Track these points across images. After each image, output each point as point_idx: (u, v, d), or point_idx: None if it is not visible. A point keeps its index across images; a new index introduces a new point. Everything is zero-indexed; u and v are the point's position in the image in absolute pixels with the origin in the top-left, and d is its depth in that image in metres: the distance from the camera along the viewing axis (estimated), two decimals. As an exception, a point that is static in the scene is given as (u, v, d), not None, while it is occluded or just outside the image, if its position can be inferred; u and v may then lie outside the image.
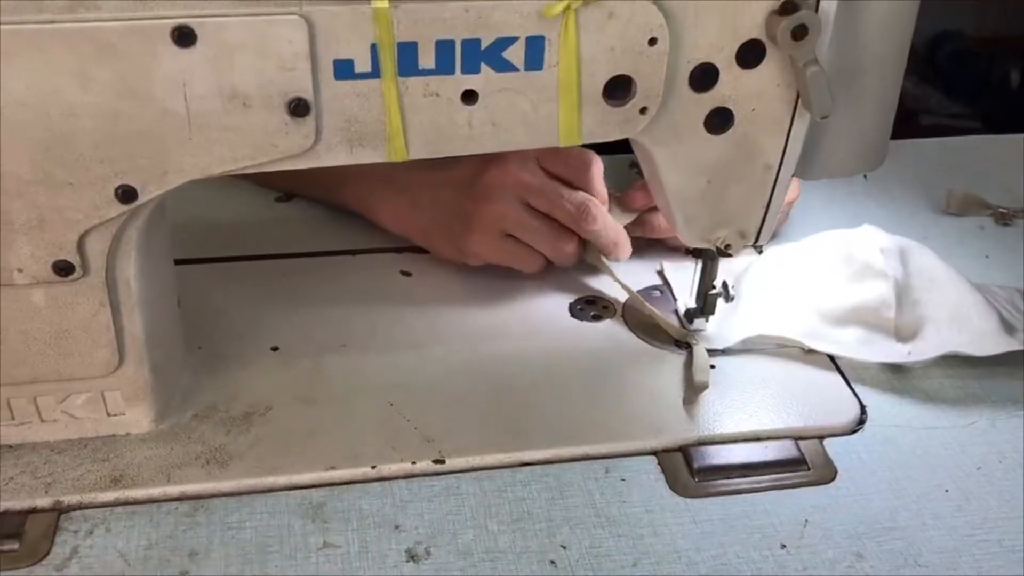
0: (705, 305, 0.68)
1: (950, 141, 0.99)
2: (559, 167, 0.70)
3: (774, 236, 0.70)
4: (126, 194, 0.50)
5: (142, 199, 0.51)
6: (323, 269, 0.77)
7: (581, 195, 0.69)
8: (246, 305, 0.72)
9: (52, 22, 0.45)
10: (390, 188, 0.76)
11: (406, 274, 0.76)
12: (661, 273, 0.76)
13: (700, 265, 0.68)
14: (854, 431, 0.63)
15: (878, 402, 0.66)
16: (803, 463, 0.61)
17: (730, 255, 0.63)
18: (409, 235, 0.77)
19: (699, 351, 0.67)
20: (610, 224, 0.70)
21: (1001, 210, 0.86)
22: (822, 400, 0.65)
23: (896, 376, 0.68)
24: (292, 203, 0.85)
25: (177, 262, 0.63)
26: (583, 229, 0.70)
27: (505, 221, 0.70)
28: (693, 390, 0.65)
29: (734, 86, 0.54)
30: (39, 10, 0.45)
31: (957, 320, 0.68)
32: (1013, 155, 0.96)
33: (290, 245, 0.79)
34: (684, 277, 0.73)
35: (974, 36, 3.02)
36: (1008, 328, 0.68)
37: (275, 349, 0.68)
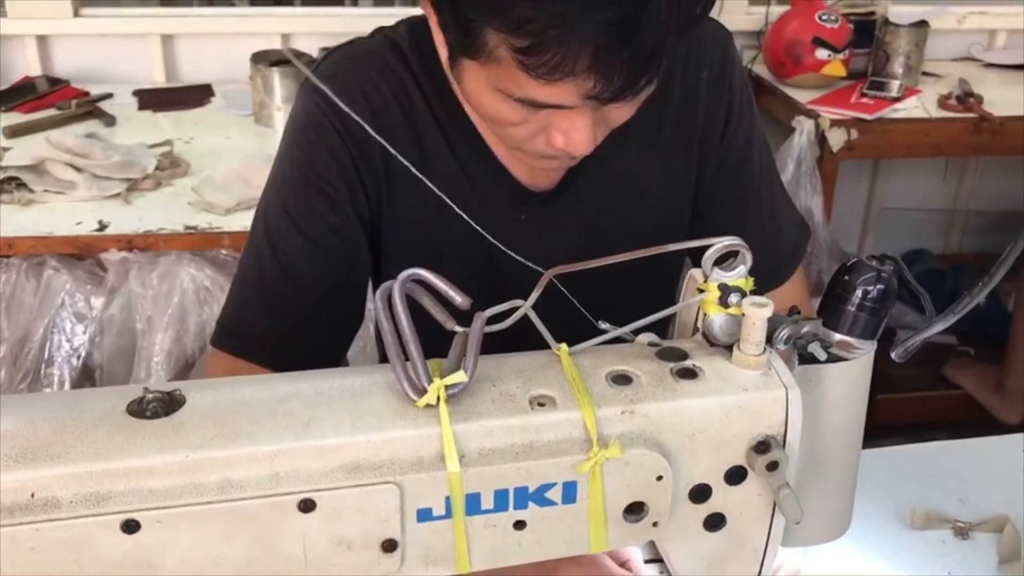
0: (712, 647, 0.81)
1: (912, 448, 1.14)
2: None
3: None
4: (251, 615, 0.64)
5: (263, 617, 0.64)
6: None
7: None
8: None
9: (209, 503, 0.60)
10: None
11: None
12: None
13: (706, 615, 0.80)
14: None
15: None
16: None
17: (730, 615, 0.76)
18: None
19: None
20: None
21: (959, 524, 0.99)
22: None
23: None
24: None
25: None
26: None
27: None
28: None
29: (725, 498, 0.69)
30: (200, 494, 0.60)
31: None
32: (969, 461, 1.10)
33: None
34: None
35: (940, 254, 3.27)
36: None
37: None
